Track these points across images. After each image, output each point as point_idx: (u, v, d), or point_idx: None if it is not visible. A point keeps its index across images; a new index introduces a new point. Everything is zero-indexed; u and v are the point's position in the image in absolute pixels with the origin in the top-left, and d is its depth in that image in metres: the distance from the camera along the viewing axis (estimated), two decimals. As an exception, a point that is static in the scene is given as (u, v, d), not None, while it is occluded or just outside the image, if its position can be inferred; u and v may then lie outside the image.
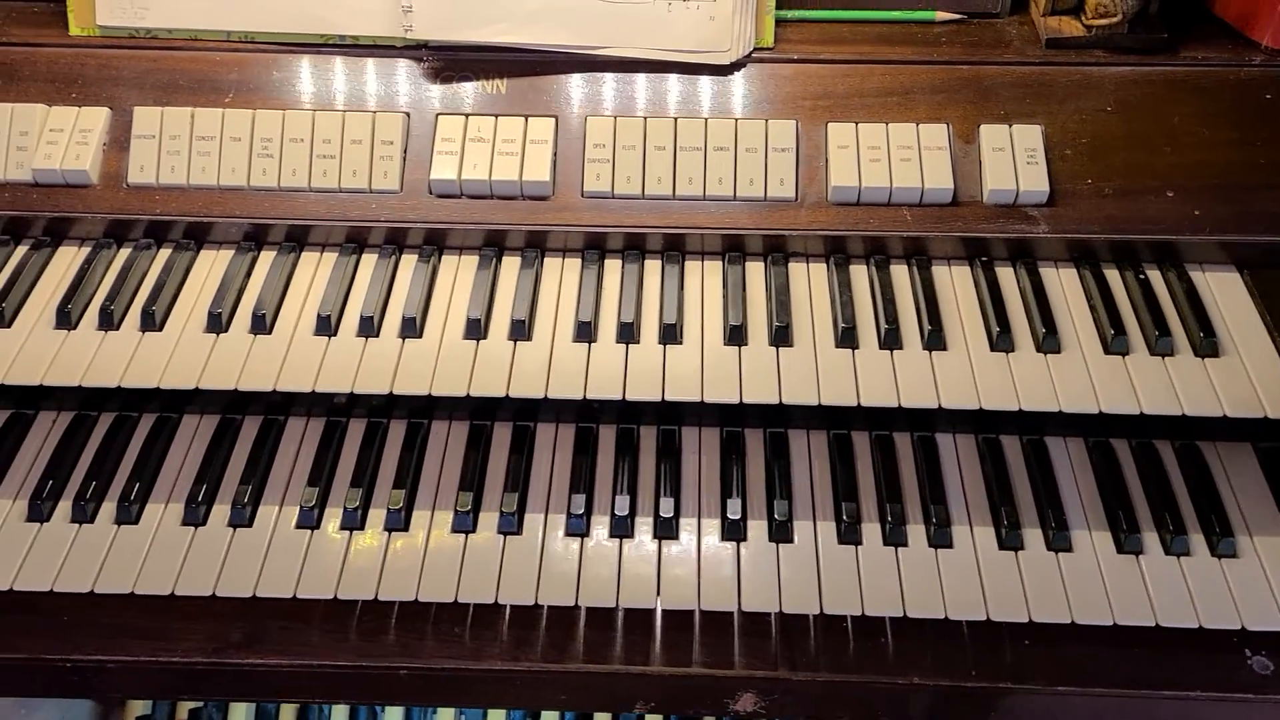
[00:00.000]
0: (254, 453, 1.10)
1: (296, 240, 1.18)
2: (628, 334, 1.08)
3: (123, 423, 1.12)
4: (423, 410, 1.14)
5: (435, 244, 1.17)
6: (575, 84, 1.20)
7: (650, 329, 1.09)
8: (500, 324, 1.10)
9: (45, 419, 1.14)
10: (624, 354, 1.07)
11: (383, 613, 1.03)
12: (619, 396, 1.03)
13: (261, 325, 1.09)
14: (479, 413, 1.13)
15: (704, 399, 1.03)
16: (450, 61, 1.21)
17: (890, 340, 1.06)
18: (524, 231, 1.16)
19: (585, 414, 1.13)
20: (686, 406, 1.09)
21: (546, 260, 1.16)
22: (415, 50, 1.21)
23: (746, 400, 1.02)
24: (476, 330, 1.08)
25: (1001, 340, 1.06)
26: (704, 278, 1.15)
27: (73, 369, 1.05)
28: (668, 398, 1.03)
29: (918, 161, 1.14)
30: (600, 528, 1.05)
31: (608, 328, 1.09)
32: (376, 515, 1.06)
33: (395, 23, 1.19)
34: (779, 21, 1.21)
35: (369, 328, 1.09)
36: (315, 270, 1.16)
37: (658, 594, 1.00)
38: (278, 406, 1.14)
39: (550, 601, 1.00)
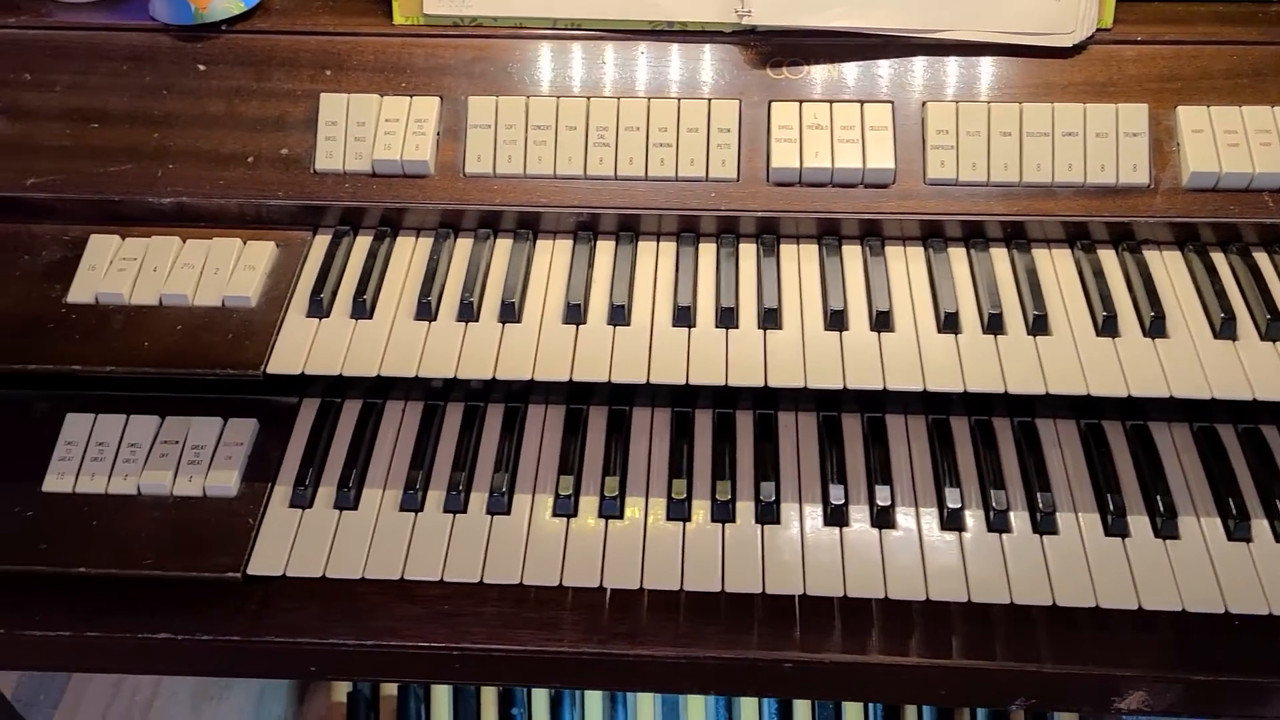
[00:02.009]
0: (608, 444, 1.10)
1: (631, 229, 1.17)
2: (995, 325, 1.06)
3: (473, 413, 1.13)
4: (769, 401, 1.13)
5: (771, 233, 1.16)
6: (910, 68, 1.17)
7: (1014, 319, 1.07)
8: (859, 314, 1.09)
9: (394, 409, 1.14)
10: (994, 346, 1.05)
11: (746, 603, 1.03)
12: (1001, 390, 1.02)
13: (620, 316, 1.09)
14: (826, 403, 1.13)
15: (1090, 392, 1.01)
16: (779, 46, 1.19)
17: (1273, 332, 1.04)
18: (860, 220, 1.15)
19: (936, 405, 1.11)
20: (1042, 399, 1.07)
21: (888, 248, 1.15)
22: (743, 35, 1.19)
23: (1134, 393, 1.00)
24: (839, 322, 1.07)
25: (1393, 332, 1.03)
26: (1055, 265, 1.13)
27: (445, 361, 1.05)
28: (1051, 390, 1.01)
29: (1279, 145, 1.11)
30: (975, 522, 1.04)
31: (970, 318, 1.08)
32: (745, 508, 1.06)
33: (729, 8, 1.17)
34: (1114, 1, 1.18)
35: (730, 319, 1.08)
36: (656, 260, 1.15)
37: (1050, 588, 0.99)
38: (624, 397, 1.14)
39: (939, 596, 0.99)
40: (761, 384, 1.03)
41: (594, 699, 1.91)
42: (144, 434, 1.10)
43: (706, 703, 1.91)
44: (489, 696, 1.97)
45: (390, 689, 2.00)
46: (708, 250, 1.16)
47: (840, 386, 1.03)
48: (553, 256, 1.16)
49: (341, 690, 2.05)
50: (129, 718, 2.12)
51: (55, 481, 1.07)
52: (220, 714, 2.14)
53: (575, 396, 1.14)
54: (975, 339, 1.06)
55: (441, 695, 1.97)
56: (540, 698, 1.93)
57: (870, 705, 1.86)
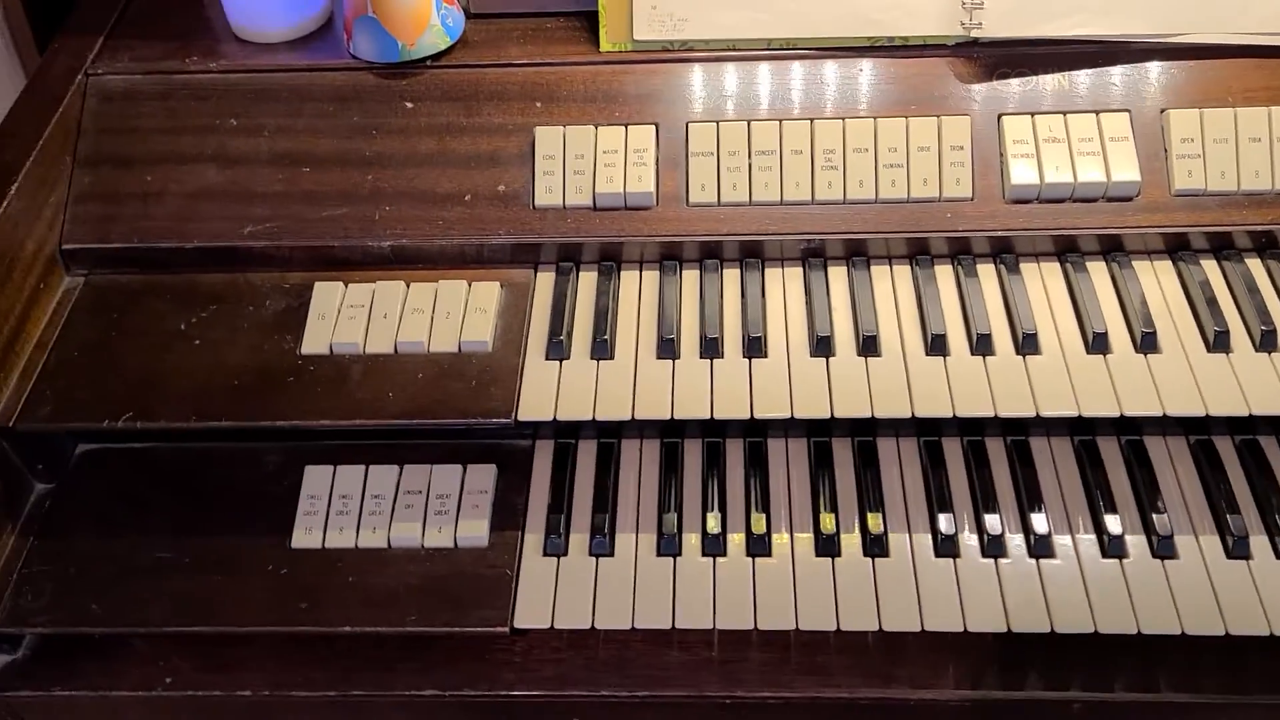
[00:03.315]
0: (859, 477, 1.07)
1: (860, 254, 1.14)
2: (1269, 343, 1.02)
3: (714, 450, 1.10)
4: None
5: (1009, 252, 1.13)
6: (1142, 74, 1.13)
7: (1287, 337, 1.04)
8: (1120, 336, 1.05)
9: (630, 448, 1.11)
10: (1270, 364, 1.01)
11: (1019, 641, 0.99)
12: (1287, 411, 0.98)
13: (872, 347, 1.05)
14: (1080, 429, 1.09)
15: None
16: (1003, 58, 1.15)
17: None
18: (1102, 235, 1.11)
19: (1196, 427, 1.08)
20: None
21: (1135, 262, 1.11)
22: (966, 47, 1.15)
23: None
24: (1102, 345, 1.04)
25: None
26: (1314, 278, 1.09)
27: (697, 402, 1.02)
28: (1343, 412, 0.97)
29: None
30: (1219, 552, 1.00)
31: (1239, 335, 1.04)
32: (1015, 540, 1.02)
33: (954, 21, 1.13)
34: (1356, -5, 1.13)
35: (986, 346, 1.05)
36: (893, 285, 1.12)
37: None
38: (867, 429, 1.10)
39: (1239, 631, 0.95)
40: (1033, 414, 1.00)
41: None
42: (386, 484, 1.07)
43: None
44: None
45: None
46: (944, 273, 1.12)
47: (1116, 414, 0.99)
48: (785, 285, 1.13)
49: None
50: None
51: (303, 537, 1.05)
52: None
53: (816, 429, 1.11)
54: (1248, 358, 1.02)
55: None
56: None
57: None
